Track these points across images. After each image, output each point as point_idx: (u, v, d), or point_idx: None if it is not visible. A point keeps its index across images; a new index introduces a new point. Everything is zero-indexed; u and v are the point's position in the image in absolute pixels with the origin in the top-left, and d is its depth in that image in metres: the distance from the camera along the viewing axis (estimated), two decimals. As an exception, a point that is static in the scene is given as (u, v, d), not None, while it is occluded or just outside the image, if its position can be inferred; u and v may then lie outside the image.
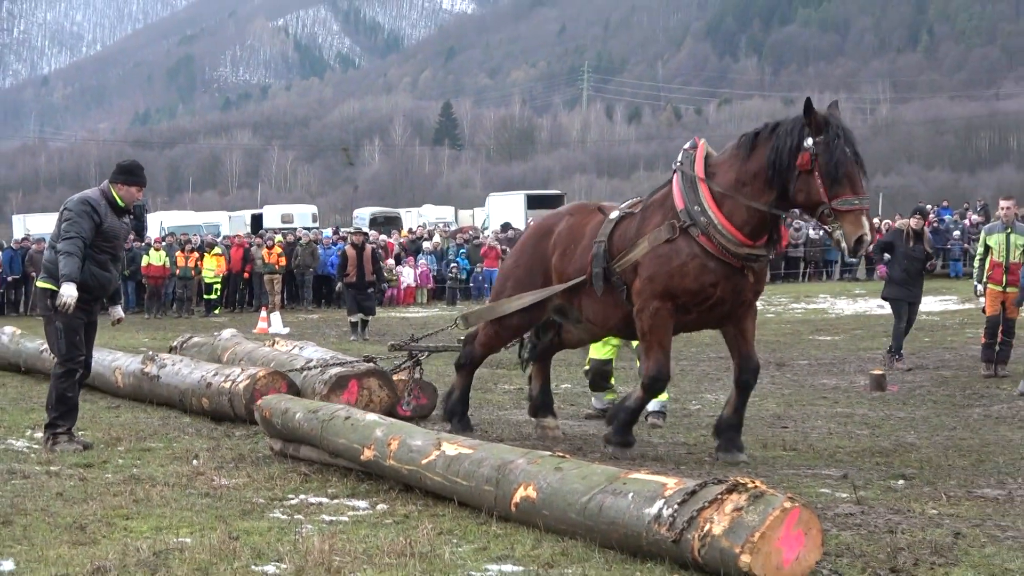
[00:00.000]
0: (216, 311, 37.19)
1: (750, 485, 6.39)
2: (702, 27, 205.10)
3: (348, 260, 27.34)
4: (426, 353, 13.38)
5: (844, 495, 8.80)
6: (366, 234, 31.46)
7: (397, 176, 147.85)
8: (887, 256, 19.83)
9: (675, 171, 10.60)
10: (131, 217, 11.48)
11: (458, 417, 12.28)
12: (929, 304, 32.64)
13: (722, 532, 6.18)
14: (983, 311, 17.93)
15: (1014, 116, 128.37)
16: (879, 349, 21.44)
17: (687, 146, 10.78)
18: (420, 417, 12.92)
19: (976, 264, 18.21)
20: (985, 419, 13.46)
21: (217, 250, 38.11)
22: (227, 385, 12.99)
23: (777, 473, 9.88)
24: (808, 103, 9.86)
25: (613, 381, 13.71)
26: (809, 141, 9.78)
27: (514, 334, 12.28)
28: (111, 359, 15.87)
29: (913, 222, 19.30)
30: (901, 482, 9.48)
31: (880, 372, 16.55)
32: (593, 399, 14.02)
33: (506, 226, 51.95)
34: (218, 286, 37.72)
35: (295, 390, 12.75)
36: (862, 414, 13.85)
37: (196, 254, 37.44)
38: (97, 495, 8.80)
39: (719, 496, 6.37)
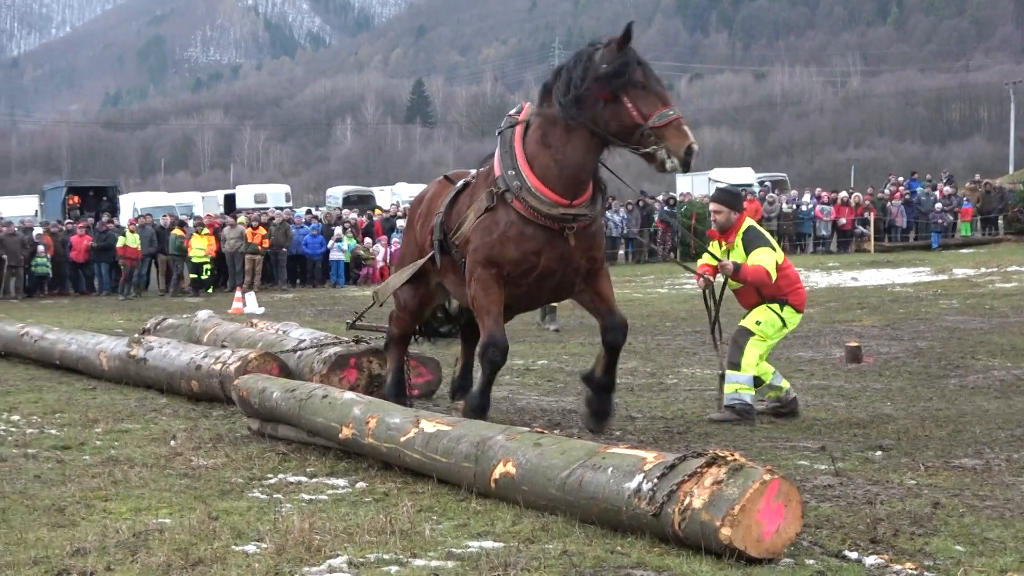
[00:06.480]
0: (209, 290, 36.70)
1: (729, 458, 6.39)
2: (672, 2, 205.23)
3: None
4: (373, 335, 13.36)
5: (822, 467, 8.83)
6: None
7: (370, 154, 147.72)
8: None
9: (498, 136, 10.35)
10: None
11: (393, 400, 11.79)
12: (903, 276, 32.84)
13: (702, 505, 6.17)
14: None
15: (984, 88, 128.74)
16: (854, 322, 21.50)
17: (512, 111, 10.50)
18: (427, 394, 12.94)
19: None
20: (961, 389, 13.49)
21: (206, 230, 37.66)
22: (217, 367, 12.73)
23: (755, 446, 9.90)
24: (628, 28, 9.47)
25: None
26: (604, 67, 9.39)
27: (411, 314, 11.89)
28: (95, 342, 15.64)
29: None
30: (879, 453, 9.51)
31: (856, 344, 16.56)
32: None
33: None
34: (208, 266, 37.29)
35: (287, 372, 12.52)
36: (838, 386, 13.87)
37: (184, 232, 37.30)
38: (75, 477, 8.78)
39: (698, 469, 6.36)
